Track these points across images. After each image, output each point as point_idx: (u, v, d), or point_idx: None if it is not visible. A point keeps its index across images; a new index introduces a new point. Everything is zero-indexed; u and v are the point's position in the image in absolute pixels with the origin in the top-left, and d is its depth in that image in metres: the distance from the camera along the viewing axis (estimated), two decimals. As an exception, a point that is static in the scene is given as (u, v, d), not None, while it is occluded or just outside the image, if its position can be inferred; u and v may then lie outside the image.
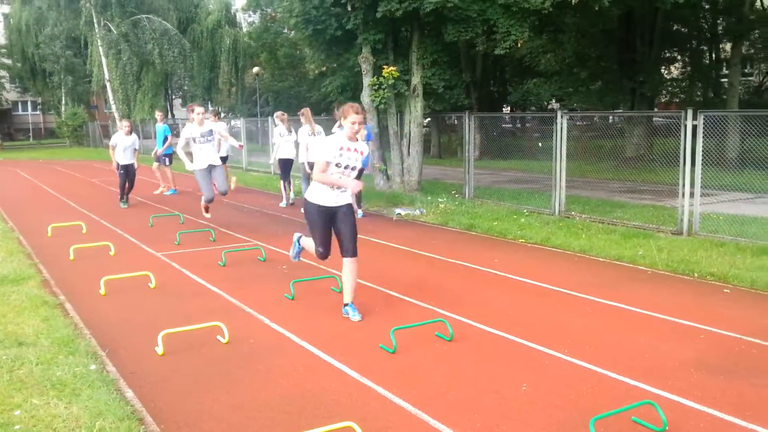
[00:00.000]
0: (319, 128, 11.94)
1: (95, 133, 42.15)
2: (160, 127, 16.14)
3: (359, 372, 4.71)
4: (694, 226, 9.45)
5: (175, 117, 40.94)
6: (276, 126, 13.53)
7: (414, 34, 13.88)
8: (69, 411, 4.06)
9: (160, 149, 15.59)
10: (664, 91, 25.92)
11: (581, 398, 4.23)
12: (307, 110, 11.90)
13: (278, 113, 13.58)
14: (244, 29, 42.26)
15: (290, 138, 13.06)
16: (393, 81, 13.68)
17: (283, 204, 13.56)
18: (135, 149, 13.45)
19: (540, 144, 16.85)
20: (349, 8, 13.04)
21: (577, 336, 5.42)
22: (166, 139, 15.68)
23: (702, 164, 9.41)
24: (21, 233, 10.60)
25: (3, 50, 49.19)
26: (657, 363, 4.81)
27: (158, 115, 17.09)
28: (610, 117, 24.71)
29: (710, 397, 4.20)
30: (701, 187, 9.49)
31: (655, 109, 24.79)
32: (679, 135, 9.51)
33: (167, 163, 16.09)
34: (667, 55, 26.84)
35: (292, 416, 4.04)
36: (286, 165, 13.32)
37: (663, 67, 27.19)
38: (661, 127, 17.39)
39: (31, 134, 58.87)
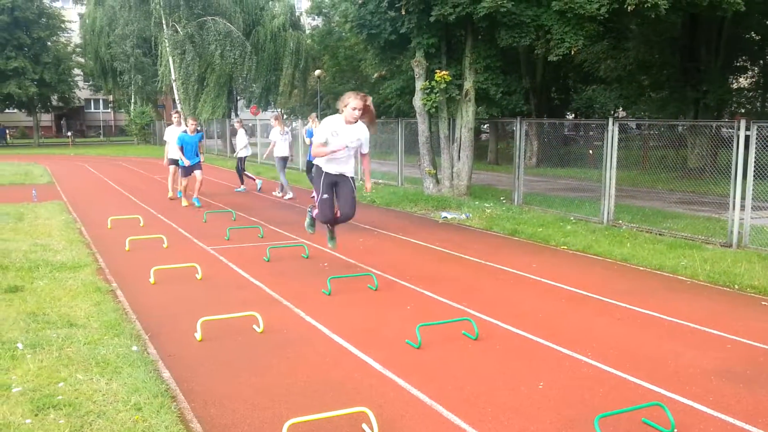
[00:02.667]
0: (287, 129, 14.80)
1: (162, 132, 43.54)
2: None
3: (383, 364, 4.89)
4: (744, 238, 9.28)
5: (240, 117, 41.95)
6: (273, 127, 15.65)
7: (467, 38, 13.98)
8: (109, 386, 4.37)
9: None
10: (731, 102, 25.16)
11: (595, 398, 4.31)
12: (278, 115, 13.50)
13: (274, 114, 16.62)
14: (307, 32, 42.99)
15: (286, 138, 15.47)
16: (445, 85, 13.81)
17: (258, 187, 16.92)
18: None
19: (591, 152, 16.72)
20: (403, 12, 13.24)
21: (603, 340, 5.47)
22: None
23: (754, 176, 9.24)
24: (83, 224, 11.19)
25: (78, 49, 51.41)
26: (678, 369, 4.84)
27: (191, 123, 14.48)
28: (679, 126, 24.22)
29: (725, 404, 4.22)
30: (753, 199, 9.32)
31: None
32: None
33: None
34: (737, 63, 26.04)
35: (313, 401, 4.26)
36: (282, 161, 15.63)
37: (731, 77, 26.38)
38: (726, 138, 16.97)
39: (102, 131, 61.38)
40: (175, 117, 15.07)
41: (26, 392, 4.24)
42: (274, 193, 16.12)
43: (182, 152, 13.58)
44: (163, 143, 15.77)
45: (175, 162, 14.47)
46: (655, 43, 22.38)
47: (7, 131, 51.43)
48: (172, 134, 14.35)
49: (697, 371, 4.79)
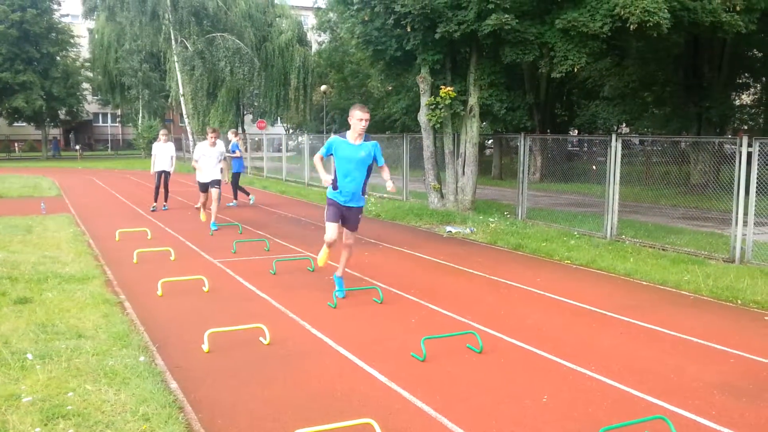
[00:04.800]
0: (221, 143, 12.82)
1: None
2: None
3: (388, 377, 4.95)
4: (747, 254, 9.33)
5: (246, 132, 42.19)
6: (232, 141, 16.47)
7: (472, 55, 14.11)
8: (117, 397, 4.43)
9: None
10: (733, 118, 25.25)
11: (598, 411, 4.36)
12: (210, 129, 12.92)
13: (233, 130, 17.94)
14: (314, 48, 43.33)
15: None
16: (450, 101, 13.93)
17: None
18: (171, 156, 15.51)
19: (594, 167, 16.79)
20: (409, 29, 13.38)
21: (606, 354, 5.52)
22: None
23: (757, 192, 9.30)
24: (91, 237, 11.28)
25: (87, 64, 51.85)
26: (681, 383, 4.88)
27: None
28: (682, 142, 24.30)
29: (728, 417, 4.27)
30: (756, 215, 9.38)
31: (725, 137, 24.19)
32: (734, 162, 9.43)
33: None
34: (739, 80, 26.17)
35: (318, 412, 4.31)
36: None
37: (733, 93, 26.49)
38: (729, 154, 17.04)
39: (109, 145, 61.79)
40: (162, 135, 15.91)
41: (36, 402, 4.30)
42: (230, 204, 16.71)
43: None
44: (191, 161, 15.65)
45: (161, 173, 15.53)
46: (658, 60, 22.51)
47: (60, 142, 53.56)
48: (159, 150, 15.37)
49: (700, 385, 4.83)
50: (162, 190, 15.56)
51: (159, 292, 7.37)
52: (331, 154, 7.09)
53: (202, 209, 12.90)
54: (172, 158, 15.54)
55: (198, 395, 4.60)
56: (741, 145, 9.33)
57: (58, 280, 7.75)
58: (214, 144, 12.36)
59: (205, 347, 5.52)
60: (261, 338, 5.79)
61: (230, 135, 17.54)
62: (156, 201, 15.55)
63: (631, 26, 11.68)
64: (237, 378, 4.93)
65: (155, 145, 15.55)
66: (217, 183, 12.33)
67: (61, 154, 51.17)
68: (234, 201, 17.01)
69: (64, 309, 6.54)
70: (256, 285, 7.91)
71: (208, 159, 12.31)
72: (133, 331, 5.92)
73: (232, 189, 16.84)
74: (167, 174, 15.55)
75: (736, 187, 9.45)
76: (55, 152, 50.41)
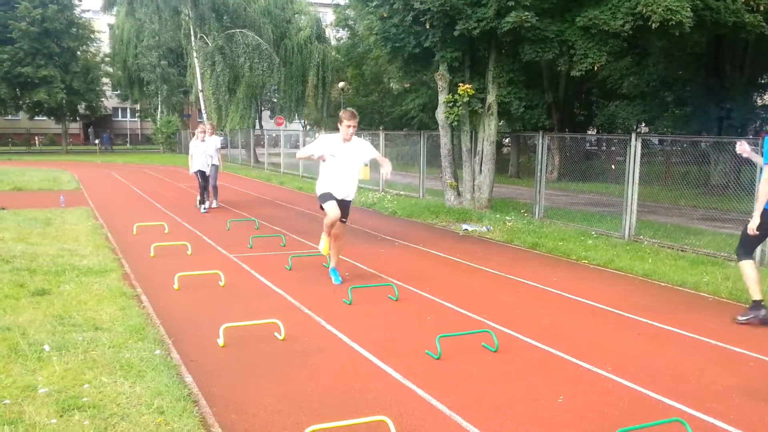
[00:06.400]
0: (209, 138, 14.53)
1: (187, 141, 44.11)
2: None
3: (402, 374, 4.93)
4: (766, 257, 9.19)
5: (263, 128, 42.32)
6: (210, 136, 14.82)
7: (491, 52, 14.03)
8: (132, 389, 4.45)
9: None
10: (754, 119, 24.92)
11: (614, 413, 4.31)
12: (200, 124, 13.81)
13: (211, 123, 17.62)
14: (333, 44, 43.33)
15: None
16: (468, 98, 13.87)
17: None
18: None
19: (613, 167, 16.64)
20: (428, 26, 13.33)
21: (623, 355, 5.46)
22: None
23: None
24: (109, 230, 11.36)
25: (107, 59, 52.29)
26: (699, 385, 4.82)
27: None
28: (702, 142, 24.01)
29: (747, 421, 4.20)
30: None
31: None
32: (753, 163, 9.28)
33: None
34: (762, 80, 25.82)
35: (333, 408, 4.30)
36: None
37: (755, 94, 26.15)
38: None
39: (128, 139, 62.30)
40: (203, 130, 14.76)
41: (52, 393, 4.33)
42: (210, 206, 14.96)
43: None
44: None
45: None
46: (679, 60, 22.26)
47: (111, 137, 54.75)
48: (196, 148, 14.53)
49: (719, 388, 4.77)
50: (210, 189, 14.66)
51: (175, 286, 7.40)
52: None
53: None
54: (212, 155, 14.55)
55: (212, 389, 4.60)
56: (763, 146, 9.17)
57: (75, 272, 7.81)
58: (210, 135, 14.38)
59: (221, 341, 5.53)
60: (276, 333, 5.79)
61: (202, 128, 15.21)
62: (203, 200, 14.58)
63: (653, 24, 11.54)
64: (251, 373, 4.93)
65: (191, 144, 14.71)
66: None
67: (113, 148, 51.87)
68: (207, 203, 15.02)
69: (82, 301, 6.59)
70: (271, 280, 7.92)
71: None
72: (150, 325, 5.94)
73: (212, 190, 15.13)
74: (212, 170, 14.53)
75: (757, 188, 9.29)
76: (107, 146, 51.09)
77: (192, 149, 14.58)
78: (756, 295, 6.47)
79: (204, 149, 14.38)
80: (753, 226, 6.40)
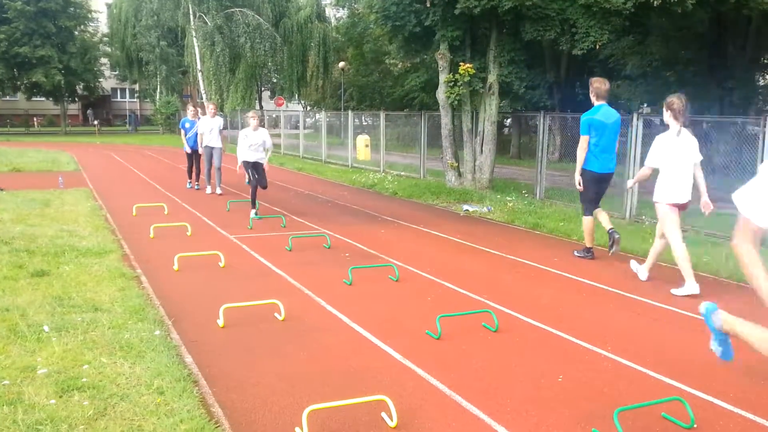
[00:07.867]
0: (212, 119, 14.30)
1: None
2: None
3: (403, 354, 4.92)
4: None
5: (263, 108, 42.16)
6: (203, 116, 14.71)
7: (492, 31, 13.91)
8: (132, 370, 4.45)
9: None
10: (756, 99, 24.76)
11: (614, 392, 4.31)
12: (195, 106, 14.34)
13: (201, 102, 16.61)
14: (333, 24, 43.03)
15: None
16: (469, 78, 13.77)
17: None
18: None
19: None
20: (428, 5, 13.21)
21: (623, 335, 5.46)
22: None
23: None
24: (108, 211, 11.34)
25: (105, 39, 51.88)
26: (700, 365, 4.81)
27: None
28: (704, 123, 23.86)
29: (747, 400, 4.20)
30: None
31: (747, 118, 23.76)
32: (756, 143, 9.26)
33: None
34: (764, 60, 25.62)
35: (333, 388, 4.30)
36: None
37: (757, 74, 25.96)
38: (752, 135, 16.72)
39: (127, 120, 61.94)
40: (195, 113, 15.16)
41: (51, 374, 4.33)
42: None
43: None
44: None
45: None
46: (681, 39, 22.06)
47: (137, 118, 54.52)
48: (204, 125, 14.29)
49: (720, 367, 4.75)
50: (213, 170, 14.37)
51: (175, 267, 7.38)
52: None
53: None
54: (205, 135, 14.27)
55: (212, 369, 4.60)
56: (765, 126, 9.15)
57: (75, 253, 7.79)
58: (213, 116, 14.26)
59: (221, 322, 5.52)
60: (276, 314, 5.78)
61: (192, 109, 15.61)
62: (205, 181, 14.58)
63: (655, 2, 11.44)
64: (251, 353, 4.93)
65: (199, 123, 14.47)
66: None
67: (137, 129, 51.59)
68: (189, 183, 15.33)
69: (81, 282, 6.57)
70: (271, 261, 7.90)
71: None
72: (149, 305, 5.93)
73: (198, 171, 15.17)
74: (217, 153, 14.27)
75: (759, 167, 9.26)
76: (134, 127, 51.00)
77: (201, 128, 14.21)
78: (589, 244, 8.45)
79: (211, 126, 14.08)
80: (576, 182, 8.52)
